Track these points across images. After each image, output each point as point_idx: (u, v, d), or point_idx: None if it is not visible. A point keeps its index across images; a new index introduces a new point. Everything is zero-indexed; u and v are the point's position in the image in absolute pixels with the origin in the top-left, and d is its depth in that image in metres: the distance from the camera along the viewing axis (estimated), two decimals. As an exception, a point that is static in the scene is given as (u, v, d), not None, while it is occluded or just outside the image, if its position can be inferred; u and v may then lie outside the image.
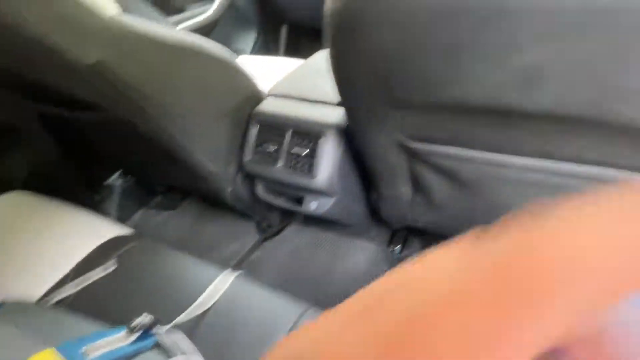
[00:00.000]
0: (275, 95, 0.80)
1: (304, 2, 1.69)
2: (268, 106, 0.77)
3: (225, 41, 1.70)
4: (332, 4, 0.38)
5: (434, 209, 0.72)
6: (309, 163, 0.72)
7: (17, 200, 0.81)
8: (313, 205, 0.77)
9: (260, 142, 0.76)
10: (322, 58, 0.90)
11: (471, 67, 0.35)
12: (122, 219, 1.28)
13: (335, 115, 0.71)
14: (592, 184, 0.47)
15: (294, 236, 1.09)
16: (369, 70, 0.42)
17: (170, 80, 0.63)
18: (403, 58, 0.38)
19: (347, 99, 0.52)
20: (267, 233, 1.12)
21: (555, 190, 0.52)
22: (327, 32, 0.42)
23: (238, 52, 1.75)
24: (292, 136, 0.72)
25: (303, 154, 0.71)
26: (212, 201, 1.19)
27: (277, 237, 1.10)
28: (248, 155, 0.77)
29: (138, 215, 1.31)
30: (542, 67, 0.32)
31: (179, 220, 1.24)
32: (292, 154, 0.73)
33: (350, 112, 0.56)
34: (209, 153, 0.76)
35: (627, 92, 0.31)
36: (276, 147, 0.74)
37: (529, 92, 0.35)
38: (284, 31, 1.93)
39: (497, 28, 0.31)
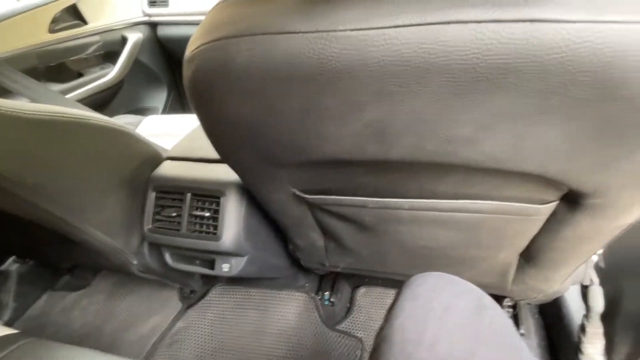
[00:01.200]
0: (173, 158, 0.77)
1: None
2: (165, 170, 0.73)
3: (135, 101, 1.66)
4: (185, 73, 0.38)
5: (347, 253, 0.72)
6: (212, 225, 0.69)
7: None
8: (225, 268, 0.73)
9: (159, 208, 0.72)
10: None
11: (324, 127, 0.36)
12: (22, 307, 1.13)
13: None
14: (480, 215, 0.50)
15: (219, 299, 1.02)
16: (235, 135, 0.42)
17: (47, 159, 0.58)
18: (261, 124, 0.38)
19: (228, 161, 0.51)
20: (191, 300, 1.04)
21: (446, 224, 0.55)
22: (188, 98, 0.41)
23: (151, 111, 1.71)
24: (192, 199, 0.69)
25: (205, 216, 0.68)
26: (125, 274, 1.10)
27: (201, 302, 1.02)
28: (147, 224, 0.72)
29: (42, 300, 1.16)
30: (383, 122, 0.34)
31: (89, 299, 1.12)
32: (194, 217, 0.69)
33: (237, 172, 0.55)
34: (105, 227, 0.70)
35: (461, 140, 0.34)
36: (177, 212, 0.70)
37: (380, 145, 0.37)
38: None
39: (337, 90, 0.32)
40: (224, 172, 0.70)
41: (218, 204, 0.67)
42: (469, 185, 0.47)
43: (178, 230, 0.70)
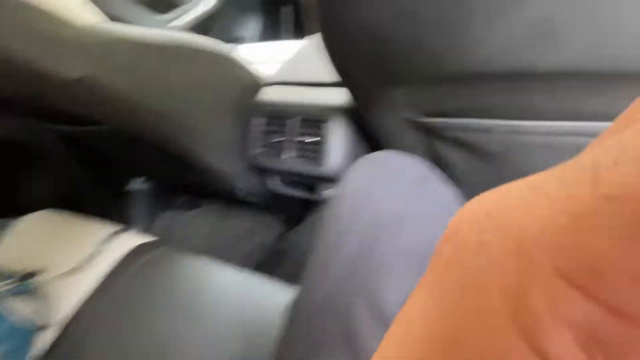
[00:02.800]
0: (275, 83, 0.76)
1: None
2: (268, 95, 0.73)
3: (229, 31, 1.67)
4: None
5: (457, 185, 0.67)
6: (318, 150, 0.68)
7: (45, 218, 0.82)
8: (326, 194, 0.74)
9: (266, 133, 0.73)
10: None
11: (471, 29, 0.30)
12: (149, 222, 1.31)
13: (341, 96, 0.66)
14: None
15: (315, 225, 1.06)
16: (361, 45, 0.37)
17: (162, 84, 0.61)
18: (396, 31, 0.33)
19: (345, 79, 0.48)
20: (289, 224, 1.10)
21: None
22: (317, 7, 0.38)
23: (243, 40, 1.71)
24: (298, 124, 0.69)
25: (310, 142, 0.67)
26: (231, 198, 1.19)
27: (299, 228, 1.08)
28: (255, 149, 0.74)
29: (165, 216, 1.32)
30: (553, 20, 0.26)
31: (203, 218, 1.25)
32: (300, 143, 0.69)
33: (352, 93, 0.52)
34: (215, 152, 0.74)
35: None
36: (282, 137, 0.70)
37: (540, 50, 0.29)
38: (289, 13, 1.86)
39: None
40: (330, 96, 0.67)
41: (324, 129, 0.66)
42: (626, 102, 0.37)
43: (283, 155, 0.71)
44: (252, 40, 1.72)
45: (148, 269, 0.67)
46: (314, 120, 0.67)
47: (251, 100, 0.75)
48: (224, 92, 0.71)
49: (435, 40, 0.33)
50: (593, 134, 0.42)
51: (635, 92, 0.35)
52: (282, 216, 1.09)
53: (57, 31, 0.48)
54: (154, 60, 0.59)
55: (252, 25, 1.73)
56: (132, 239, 0.74)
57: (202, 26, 1.48)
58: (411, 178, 0.38)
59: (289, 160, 0.70)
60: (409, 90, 0.45)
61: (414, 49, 0.35)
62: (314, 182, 0.75)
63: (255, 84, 0.76)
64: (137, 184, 1.32)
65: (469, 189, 0.66)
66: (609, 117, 0.40)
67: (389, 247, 0.30)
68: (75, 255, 0.72)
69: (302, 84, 0.72)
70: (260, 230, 1.13)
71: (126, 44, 0.55)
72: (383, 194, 0.35)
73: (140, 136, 0.68)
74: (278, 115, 0.71)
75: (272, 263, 1.02)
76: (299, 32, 1.91)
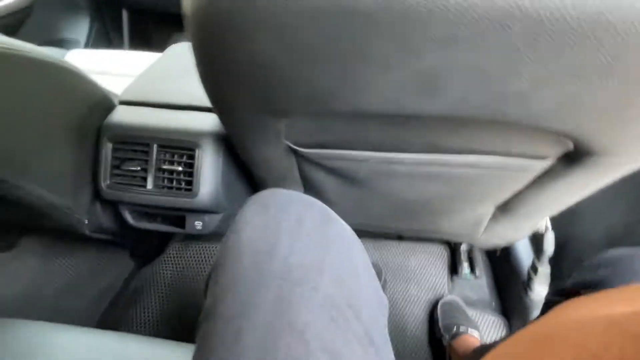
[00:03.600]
0: (129, 103, 0.66)
1: None
2: (122, 117, 0.63)
3: (49, 31, 1.39)
4: (193, 1, 0.30)
5: (326, 205, 0.71)
6: (185, 180, 0.61)
7: None
8: (198, 225, 0.67)
9: (117, 161, 0.62)
10: (181, 52, 0.78)
11: (367, 74, 0.32)
12: None
13: (210, 120, 0.62)
14: (478, 170, 0.51)
15: (176, 255, 0.96)
16: (244, 79, 0.35)
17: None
18: (285, 66, 0.32)
19: (220, 108, 0.45)
20: (143, 258, 0.97)
21: (441, 178, 0.55)
22: (190, 33, 0.33)
23: (71, 44, 1.45)
24: (160, 151, 0.61)
25: (178, 171, 0.61)
26: (61, 234, 0.97)
27: (157, 260, 0.96)
28: (105, 180, 0.62)
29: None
30: (436, 72, 0.30)
31: (20, 262, 0.98)
32: (163, 171, 0.61)
33: (225, 122, 0.49)
34: (51, 185, 0.59)
35: (513, 96, 0.32)
36: (141, 166, 0.61)
37: (424, 97, 0.34)
38: (125, 17, 1.67)
39: (397, 33, 0.28)
40: (195, 120, 0.62)
41: (193, 156, 0.60)
42: (478, 140, 0.47)
43: (143, 186, 0.62)
44: (82, 45, 1.47)
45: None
46: (180, 147, 0.61)
47: (98, 122, 0.63)
48: (63, 111, 0.58)
49: (334, 80, 0.33)
50: (450, 165, 0.51)
51: (481, 130, 0.44)
52: (135, 251, 0.95)
53: None
54: None
55: (81, 27, 1.48)
56: None
57: (7, 23, 1.19)
58: (312, 221, 0.36)
59: (152, 191, 0.62)
60: (289, 122, 0.45)
61: (304, 86, 0.35)
62: (180, 214, 0.68)
63: (104, 102, 0.64)
64: None
65: (338, 207, 0.70)
66: (463, 150, 0.48)
67: (308, 305, 0.28)
68: None
69: (163, 104, 0.65)
70: (105, 270, 0.96)
71: None
72: (289, 244, 0.32)
73: None
74: (133, 141, 0.61)
75: (127, 305, 0.87)
76: (140, 41, 1.73)
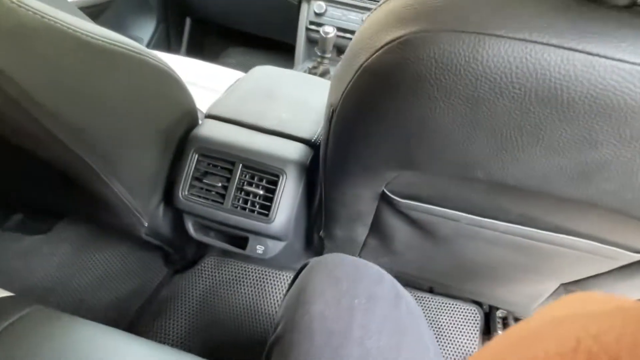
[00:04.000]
0: (217, 118, 0.67)
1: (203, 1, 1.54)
2: (212, 131, 0.64)
3: (120, 26, 1.43)
4: (380, 59, 0.31)
5: (388, 253, 0.70)
6: (263, 204, 0.62)
7: None
8: (259, 250, 0.67)
9: (200, 174, 0.63)
10: (266, 75, 0.80)
11: (528, 152, 0.32)
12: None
13: (296, 150, 0.63)
14: (563, 250, 0.51)
15: (212, 270, 0.95)
16: (402, 137, 0.36)
17: (86, 90, 0.47)
18: (454, 133, 0.33)
19: (341, 151, 0.45)
20: (177, 265, 0.96)
21: (520, 249, 0.55)
22: (365, 83, 0.34)
23: (135, 40, 1.49)
24: (243, 171, 0.61)
25: (258, 194, 0.61)
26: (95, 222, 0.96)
27: (191, 271, 0.94)
28: (184, 189, 0.63)
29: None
30: (606, 166, 0.31)
31: (51, 247, 0.97)
32: (243, 191, 0.62)
33: (333, 160, 0.49)
34: (130, 182, 0.60)
35: (626, 185, 0.33)
36: (222, 182, 0.62)
37: (575, 184, 0.34)
38: (187, 24, 1.72)
39: (581, 120, 0.29)
40: (282, 147, 0.63)
41: (276, 182, 0.61)
42: (577, 221, 0.47)
43: (220, 202, 0.62)
44: (144, 44, 1.51)
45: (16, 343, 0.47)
46: (265, 171, 0.61)
47: (183, 131, 0.64)
48: (160, 115, 0.59)
49: (485, 150, 0.34)
50: (541, 240, 0.51)
51: (583, 213, 0.44)
52: (170, 256, 0.94)
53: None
54: (81, 59, 0.45)
55: (147, 27, 1.52)
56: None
57: (87, 13, 1.23)
58: (384, 299, 0.35)
59: (228, 209, 0.62)
60: (401, 174, 0.46)
61: (459, 150, 0.35)
62: (244, 234, 0.68)
63: (192, 113, 0.66)
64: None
65: (400, 257, 0.70)
66: (558, 230, 0.48)
67: None
68: None
69: (251, 126, 0.66)
70: (139, 269, 0.95)
71: (50, 32, 0.41)
72: (363, 324, 0.31)
73: (36, 152, 0.50)
74: (219, 156, 0.62)
75: (157, 313, 0.85)
76: (195, 47, 1.78)
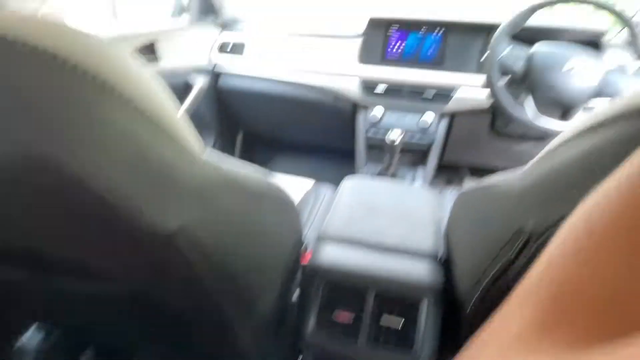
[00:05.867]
0: (335, 239, 0.64)
1: (258, 115, 1.64)
2: (335, 257, 0.60)
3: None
4: None
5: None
6: (402, 336, 0.55)
7: None
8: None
9: (328, 307, 0.57)
10: (360, 188, 0.79)
11: None
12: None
13: (430, 269, 0.58)
14: None
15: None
16: None
17: (248, 238, 0.45)
18: None
19: None
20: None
21: None
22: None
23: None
24: (376, 300, 0.56)
25: (398, 327, 0.55)
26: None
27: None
28: (310, 326, 0.57)
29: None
30: None
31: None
32: (379, 326, 0.55)
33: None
34: (255, 323, 0.54)
35: None
36: (354, 317, 0.56)
37: None
38: (239, 138, 1.82)
39: None
40: (414, 267, 0.58)
41: (416, 309, 0.54)
42: None
43: (354, 337, 0.55)
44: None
45: None
46: (399, 298, 0.55)
47: (297, 257, 0.60)
48: (282, 247, 0.56)
49: None
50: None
51: None
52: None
53: (171, 168, 0.32)
54: (249, 207, 0.44)
55: (206, 142, 1.61)
56: None
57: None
58: None
59: (363, 345, 0.55)
60: None
61: None
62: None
63: (300, 235, 0.63)
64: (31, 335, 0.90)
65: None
66: None
67: None
68: None
69: (373, 245, 0.62)
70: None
71: (229, 185, 0.40)
72: None
73: (170, 303, 0.46)
74: (347, 287, 0.57)
75: None
76: (246, 157, 1.86)
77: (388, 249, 0.61)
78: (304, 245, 0.67)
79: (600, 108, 0.33)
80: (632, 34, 0.97)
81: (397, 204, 0.73)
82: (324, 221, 0.70)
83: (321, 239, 0.64)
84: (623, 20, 0.96)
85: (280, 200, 0.54)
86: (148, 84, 0.33)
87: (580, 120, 0.34)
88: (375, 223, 0.67)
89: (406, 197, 0.76)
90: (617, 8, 0.96)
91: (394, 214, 0.69)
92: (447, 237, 0.63)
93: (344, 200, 0.74)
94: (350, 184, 0.81)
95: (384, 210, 0.71)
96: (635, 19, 0.96)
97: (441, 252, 0.62)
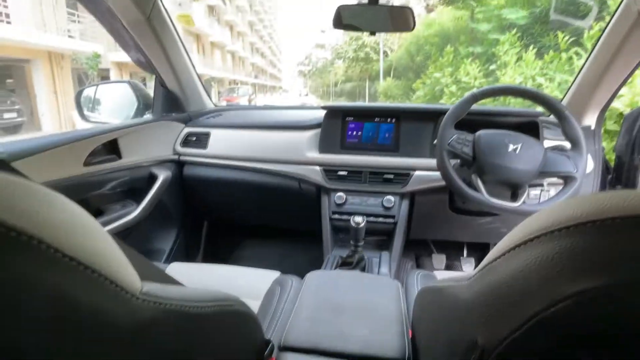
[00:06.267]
0: (296, 350, 0.60)
1: (224, 202, 1.63)
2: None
3: (147, 241, 1.46)
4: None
5: None
6: None
7: None
8: None
9: None
10: (323, 284, 0.77)
11: None
12: None
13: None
14: None
15: None
16: None
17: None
18: None
19: None
20: None
21: None
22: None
23: (157, 254, 1.49)
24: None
25: None
26: None
27: None
28: None
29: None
30: None
31: None
32: None
33: None
34: None
35: None
36: None
37: None
38: (204, 229, 1.78)
39: None
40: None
41: None
42: None
43: None
44: (165, 255, 1.52)
45: None
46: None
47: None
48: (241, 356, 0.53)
49: None
50: None
51: None
52: None
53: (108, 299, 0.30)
54: (197, 333, 0.41)
55: (169, 238, 1.56)
56: None
57: (122, 236, 1.26)
58: None
59: None
60: None
61: None
62: None
63: (264, 348, 0.59)
64: None
65: None
66: None
67: None
68: None
69: (336, 354, 0.59)
70: None
71: (172, 317, 0.38)
72: None
73: None
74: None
75: None
76: (211, 248, 1.81)
77: (353, 357, 0.58)
78: (268, 349, 0.62)
79: (531, 221, 0.34)
80: (562, 124, 1.06)
81: (362, 300, 0.72)
82: (287, 321, 0.67)
83: (284, 348, 0.61)
84: (553, 110, 1.07)
85: (238, 314, 0.51)
86: (78, 226, 0.31)
87: (513, 233, 0.35)
88: (339, 324, 0.64)
89: (371, 292, 0.75)
90: (548, 97, 1.07)
91: (358, 313, 0.67)
92: (414, 334, 0.62)
93: (308, 301, 0.72)
94: (314, 281, 0.80)
95: (348, 308, 0.69)
96: (565, 111, 1.05)
97: (408, 352, 0.59)
